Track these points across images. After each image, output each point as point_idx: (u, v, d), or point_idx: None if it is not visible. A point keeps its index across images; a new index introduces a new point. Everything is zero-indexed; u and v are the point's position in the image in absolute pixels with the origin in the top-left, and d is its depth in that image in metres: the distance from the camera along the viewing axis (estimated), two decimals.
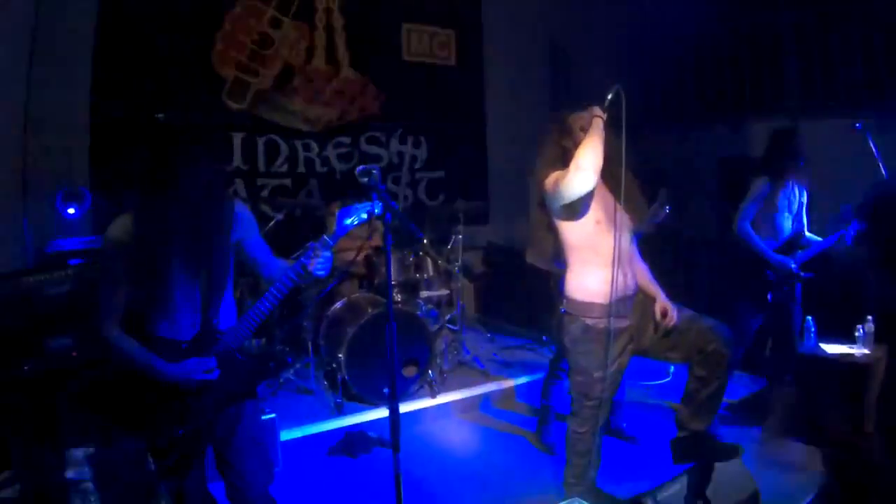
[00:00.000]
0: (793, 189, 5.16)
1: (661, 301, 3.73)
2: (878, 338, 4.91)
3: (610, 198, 3.63)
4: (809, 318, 5.13)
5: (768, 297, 5.12)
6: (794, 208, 5.19)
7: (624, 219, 3.57)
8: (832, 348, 4.99)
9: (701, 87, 8.44)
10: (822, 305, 5.34)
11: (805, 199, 5.23)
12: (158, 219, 2.67)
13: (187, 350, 2.81)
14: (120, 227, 2.70)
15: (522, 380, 6.00)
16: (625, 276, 3.58)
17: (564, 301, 3.69)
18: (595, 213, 3.56)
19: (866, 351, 4.87)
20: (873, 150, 4.84)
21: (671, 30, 8.37)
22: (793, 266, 5.04)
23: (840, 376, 4.79)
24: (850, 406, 4.66)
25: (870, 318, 4.96)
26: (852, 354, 4.86)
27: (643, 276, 3.83)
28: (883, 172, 4.81)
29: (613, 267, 3.42)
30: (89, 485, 3.48)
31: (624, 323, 3.62)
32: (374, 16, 7.60)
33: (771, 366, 5.51)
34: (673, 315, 3.68)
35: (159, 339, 2.80)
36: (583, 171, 3.31)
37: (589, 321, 3.57)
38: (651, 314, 3.73)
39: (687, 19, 8.02)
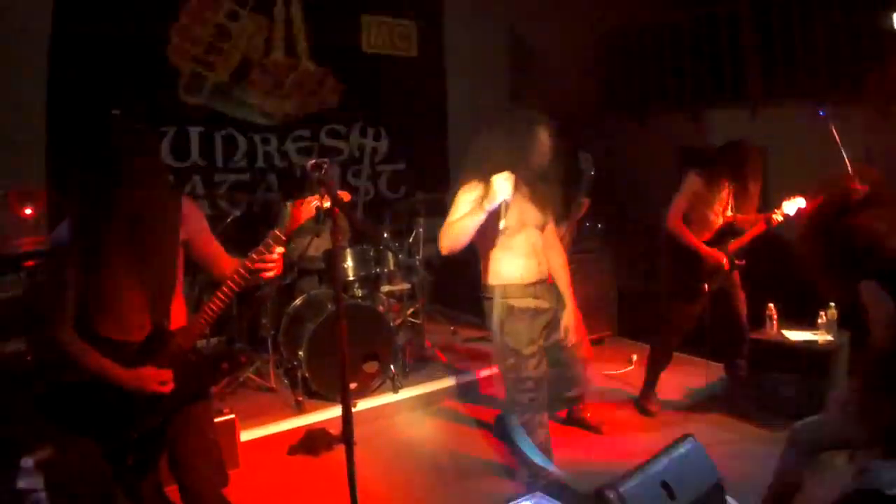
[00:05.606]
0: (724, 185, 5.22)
1: (567, 316, 3.95)
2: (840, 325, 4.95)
3: (522, 200, 3.77)
4: (771, 304, 5.16)
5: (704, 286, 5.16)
6: (724, 201, 5.23)
7: (531, 213, 3.79)
8: (794, 335, 5.02)
9: (661, 76, 8.48)
10: (786, 292, 5.37)
11: (733, 189, 5.28)
12: (104, 219, 2.61)
13: (140, 353, 2.74)
14: (67, 228, 2.64)
15: (485, 373, 5.94)
16: (539, 263, 3.83)
17: (484, 289, 3.93)
18: (505, 219, 3.62)
19: (829, 338, 4.90)
20: (835, 136, 4.86)
21: (632, 19, 8.41)
22: (724, 260, 5.06)
23: (801, 363, 4.82)
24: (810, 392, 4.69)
25: (832, 304, 5.00)
26: (815, 341, 4.90)
27: (561, 280, 4.02)
28: (845, 159, 4.84)
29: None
30: (42, 495, 3.38)
31: (542, 304, 3.83)
32: (334, 7, 7.51)
33: (724, 353, 5.54)
34: (571, 338, 3.93)
35: (110, 341, 2.73)
36: (445, 243, 3.71)
37: (511, 301, 3.76)
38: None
39: (647, 7, 8.05)
